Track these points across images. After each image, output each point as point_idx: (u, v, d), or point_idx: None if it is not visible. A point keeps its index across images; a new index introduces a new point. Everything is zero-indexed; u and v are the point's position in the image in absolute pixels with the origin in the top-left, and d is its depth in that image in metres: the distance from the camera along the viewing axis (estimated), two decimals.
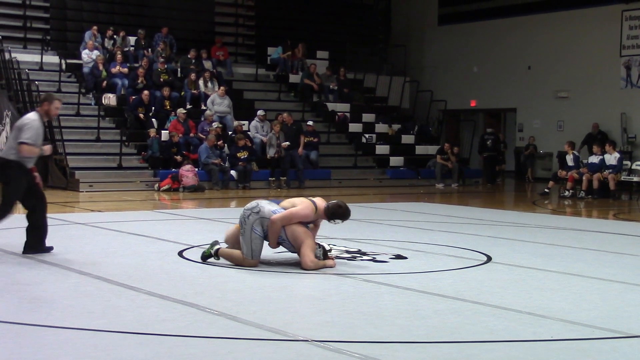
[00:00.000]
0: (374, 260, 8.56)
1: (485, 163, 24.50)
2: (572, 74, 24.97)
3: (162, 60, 22.53)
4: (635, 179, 19.98)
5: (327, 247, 8.17)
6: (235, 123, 21.43)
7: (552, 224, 12.86)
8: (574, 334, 5.57)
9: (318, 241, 8.18)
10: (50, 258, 8.34)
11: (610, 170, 19.01)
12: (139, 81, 21.41)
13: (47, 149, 8.91)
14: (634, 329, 5.70)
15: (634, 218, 15.06)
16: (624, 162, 20.12)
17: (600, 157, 19.41)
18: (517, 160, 25.46)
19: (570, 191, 19.29)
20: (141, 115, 20.56)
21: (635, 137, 23.20)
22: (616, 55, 23.96)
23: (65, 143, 19.06)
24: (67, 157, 18.89)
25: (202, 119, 21.24)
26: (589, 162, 19.66)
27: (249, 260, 7.92)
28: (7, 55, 21.25)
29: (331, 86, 24.90)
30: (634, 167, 20.54)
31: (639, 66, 23.51)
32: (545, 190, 19.71)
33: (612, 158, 19.27)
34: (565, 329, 5.70)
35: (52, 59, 22.38)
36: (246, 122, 21.65)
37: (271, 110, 22.66)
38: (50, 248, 8.74)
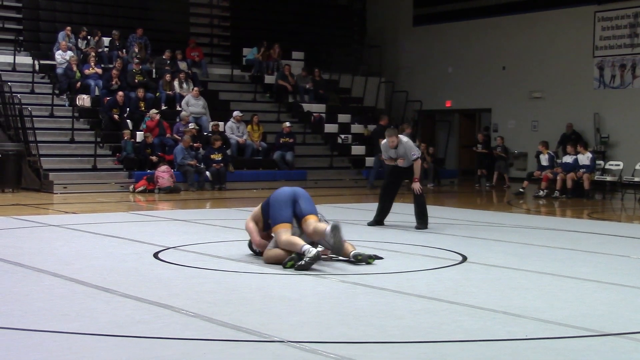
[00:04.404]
0: (349, 260, 8.56)
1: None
2: (546, 75, 25.12)
3: (136, 61, 22.40)
4: (609, 178, 20.16)
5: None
6: (211, 124, 21.37)
7: (527, 223, 12.94)
8: (548, 333, 5.60)
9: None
10: (24, 260, 8.27)
11: (584, 170, 19.17)
12: (114, 82, 21.28)
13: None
14: (607, 328, 5.74)
15: (608, 217, 15.19)
16: (597, 162, 20.30)
17: (574, 157, 19.57)
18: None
19: (545, 191, 19.42)
20: (116, 117, 20.44)
21: (608, 137, 23.38)
22: (589, 56, 24.14)
23: (39, 144, 18.91)
24: (41, 158, 18.74)
25: (178, 120, 21.15)
26: (563, 162, 19.83)
27: None
28: None
29: (307, 86, 24.87)
30: (607, 166, 20.73)
31: (611, 67, 23.71)
32: (520, 190, 19.86)
33: (584, 158, 19.44)
34: (540, 327, 5.73)
35: (25, 59, 22.19)
36: (221, 123, 21.59)
37: (247, 111, 22.61)
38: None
